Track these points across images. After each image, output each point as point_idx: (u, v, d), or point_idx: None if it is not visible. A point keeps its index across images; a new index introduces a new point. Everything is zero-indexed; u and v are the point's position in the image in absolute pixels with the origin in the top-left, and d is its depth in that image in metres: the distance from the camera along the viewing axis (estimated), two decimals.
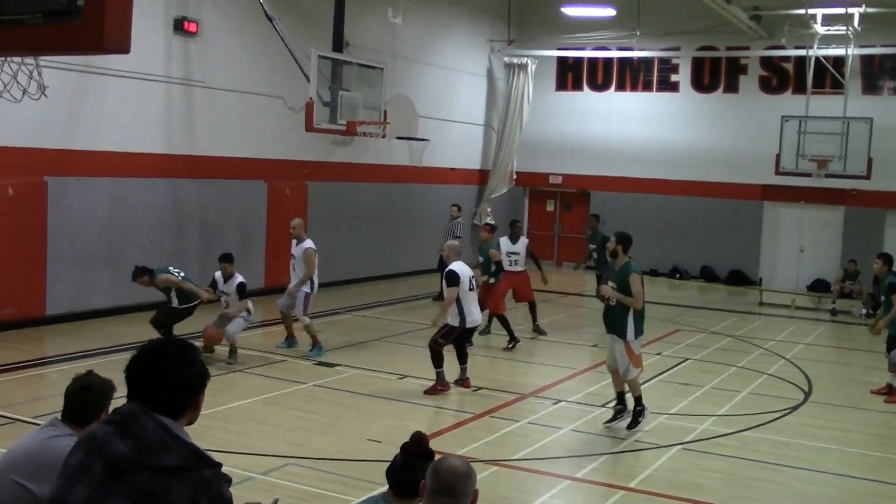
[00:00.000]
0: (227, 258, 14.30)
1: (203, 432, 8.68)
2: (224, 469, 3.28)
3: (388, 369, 13.97)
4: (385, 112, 19.55)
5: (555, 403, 12.46)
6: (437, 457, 4.23)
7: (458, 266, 12.72)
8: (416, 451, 4.32)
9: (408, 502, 4.26)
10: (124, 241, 16.95)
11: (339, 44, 19.87)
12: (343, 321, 18.07)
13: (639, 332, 11.21)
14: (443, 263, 21.16)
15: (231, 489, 3.30)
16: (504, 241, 17.42)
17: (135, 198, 17.27)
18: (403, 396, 12.47)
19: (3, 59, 9.78)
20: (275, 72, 19.74)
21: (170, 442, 3.18)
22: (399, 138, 20.73)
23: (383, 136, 19.86)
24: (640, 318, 11.20)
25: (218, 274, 14.39)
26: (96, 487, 3.16)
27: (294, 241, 15.00)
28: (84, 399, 4.82)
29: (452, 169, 27.13)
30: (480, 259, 16.74)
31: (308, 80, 17.57)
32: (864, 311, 22.39)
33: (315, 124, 18.72)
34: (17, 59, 9.87)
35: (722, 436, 11.36)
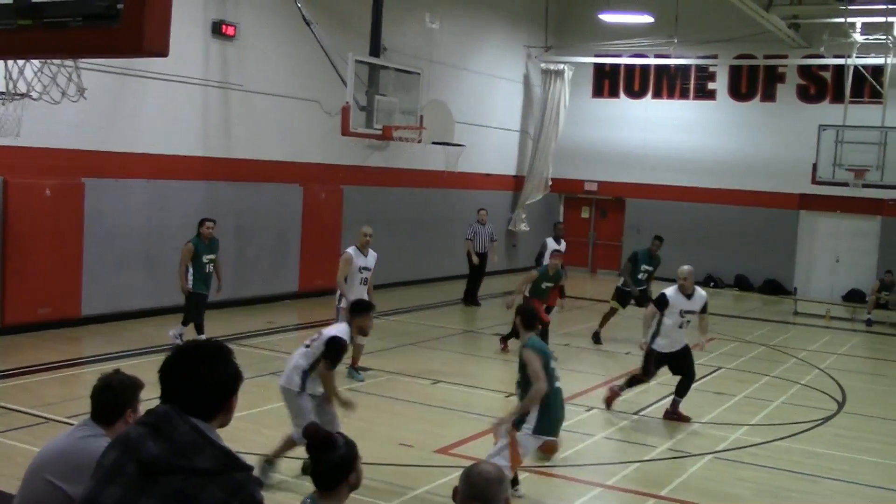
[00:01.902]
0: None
1: (236, 435, 8.72)
2: (255, 472, 3.30)
3: (421, 374, 13.99)
4: (421, 117, 19.60)
5: (587, 410, 12.43)
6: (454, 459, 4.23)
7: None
8: (312, 445, 4.28)
9: (329, 495, 4.20)
10: (161, 242, 17.04)
11: (376, 48, 19.95)
12: (377, 325, 17.93)
13: (540, 428, 8.41)
14: (475, 266, 21.25)
15: (263, 492, 3.32)
16: (550, 242, 18.35)
17: (171, 200, 17.38)
18: (436, 402, 12.49)
19: (43, 61, 9.91)
20: (312, 76, 19.83)
21: (202, 444, 3.20)
22: (435, 143, 20.78)
23: (419, 142, 19.91)
24: (545, 409, 8.38)
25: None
26: (129, 489, 3.18)
27: (366, 251, 13.74)
28: (107, 399, 4.81)
29: (487, 175, 27.14)
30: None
31: (345, 85, 17.65)
32: None
33: (351, 129, 18.79)
34: (57, 62, 10.00)
35: (754, 445, 11.30)
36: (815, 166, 24.69)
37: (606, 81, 29.81)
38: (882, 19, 23.66)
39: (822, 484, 10.16)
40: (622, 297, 17.80)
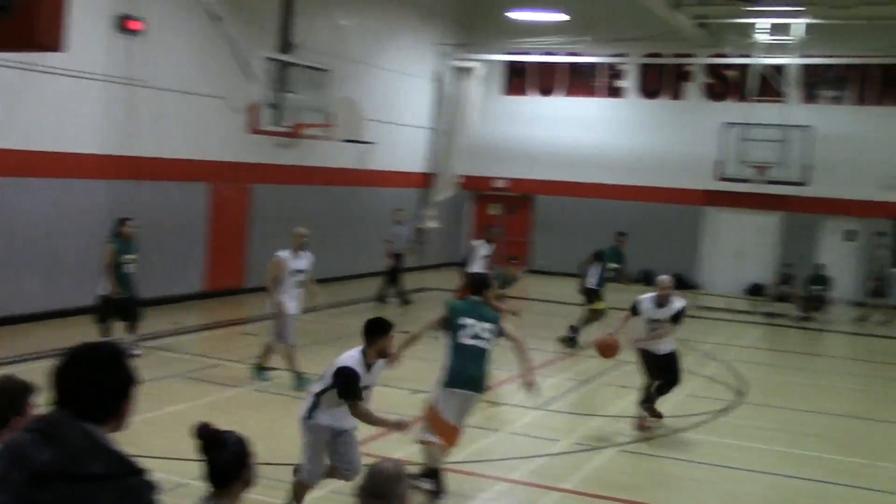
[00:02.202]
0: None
1: (137, 439, 8.63)
2: (158, 476, 3.25)
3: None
4: (331, 115, 19.55)
5: (492, 406, 12.54)
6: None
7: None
8: (202, 444, 4.27)
9: (222, 494, 4.20)
10: (59, 243, 16.63)
11: (285, 45, 19.86)
12: None
13: (443, 380, 8.95)
14: (392, 267, 21.24)
15: (163, 496, 3.28)
16: (480, 245, 18.07)
17: (71, 199, 16.94)
18: None
19: None
20: (220, 72, 19.55)
21: (95, 449, 3.14)
22: (345, 141, 20.75)
23: (329, 139, 19.87)
24: (447, 362, 8.96)
25: None
26: (17, 497, 3.09)
27: (296, 253, 13.14)
28: None
29: (398, 172, 27.15)
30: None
31: (253, 82, 17.51)
32: (797, 313, 22.87)
33: (260, 126, 18.69)
34: None
35: (657, 437, 11.52)
36: (719, 163, 25.30)
37: (518, 79, 30.03)
38: (786, 20, 24.33)
39: (720, 472, 10.42)
40: (595, 295, 17.70)
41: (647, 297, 11.89)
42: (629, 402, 13.24)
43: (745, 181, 25.66)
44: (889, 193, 26.01)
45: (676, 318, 11.84)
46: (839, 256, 26.09)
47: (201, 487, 4.19)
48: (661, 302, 11.76)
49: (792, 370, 16.46)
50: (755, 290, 26.21)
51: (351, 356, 7.90)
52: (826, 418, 13.33)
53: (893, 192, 25.98)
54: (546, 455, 10.63)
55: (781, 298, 23.61)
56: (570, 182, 29.07)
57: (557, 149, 29.15)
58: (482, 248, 18.11)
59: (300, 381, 12.64)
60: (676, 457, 10.73)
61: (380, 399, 12.43)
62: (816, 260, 25.36)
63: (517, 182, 29.84)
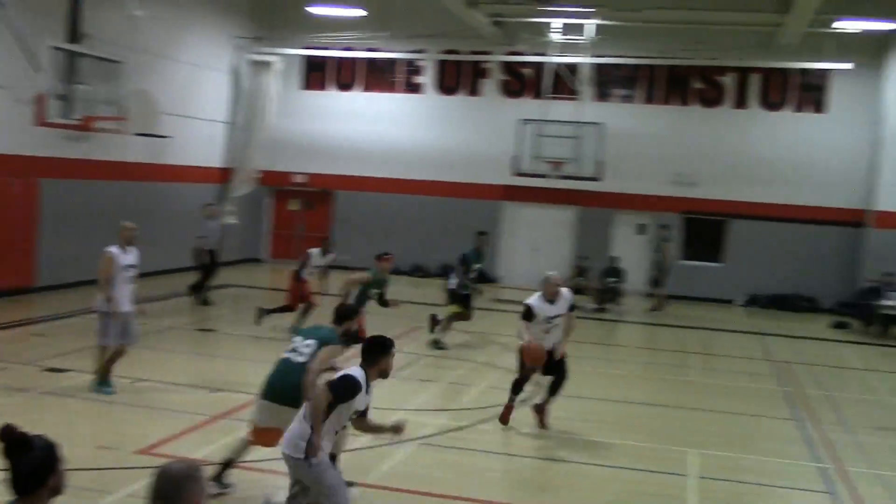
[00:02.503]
0: None
1: None
2: None
3: (124, 373, 13.42)
4: (124, 108, 18.95)
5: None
6: None
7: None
8: (6, 447, 4.10)
9: (28, 500, 4.01)
10: None
11: (74, 35, 19.11)
12: (75, 324, 17.21)
13: None
14: (205, 264, 20.70)
15: None
16: (315, 253, 18.15)
17: None
18: (138, 402, 12.09)
19: None
20: (3, 61, 18.59)
21: None
22: (139, 135, 20.15)
23: (123, 133, 19.26)
24: None
25: None
26: None
27: (124, 248, 12.39)
28: None
29: (195, 167, 26.54)
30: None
31: (40, 72, 16.79)
32: (593, 305, 23.65)
33: (47, 118, 17.92)
34: None
35: (459, 429, 11.68)
36: (516, 159, 25.88)
37: (317, 74, 29.86)
38: (578, 21, 25.13)
39: (517, 461, 10.66)
40: (461, 300, 17.67)
41: (534, 298, 11.90)
42: (431, 395, 13.41)
43: (541, 176, 26.37)
44: (676, 189, 27.30)
45: (572, 308, 12.02)
46: (631, 249, 27.17)
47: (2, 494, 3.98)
48: (551, 298, 11.85)
49: (588, 360, 16.97)
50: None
51: (356, 372, 7.45)
52: (622, 406, 13.83)
53: (680, 187, 27.28)
54: (348, 451, 10.58)
55: (577, 291, 24.29)
56: (370, 177, 29.17)
57: (357, 144, 29.18)
58: (317, 258, 18.09)
59: (102, 385, 12.20)
60: (478, 448, 10.90)
61: (176, 398, 12.17)
62: (610, 253, 26.36)
63: (316, 177, 29.69)
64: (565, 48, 26.15)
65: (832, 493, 10.29)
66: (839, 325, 23.89)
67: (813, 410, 14.34)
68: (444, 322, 17.47)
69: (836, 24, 22.90)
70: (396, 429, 7.93)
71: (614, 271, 24.84)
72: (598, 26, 25.40)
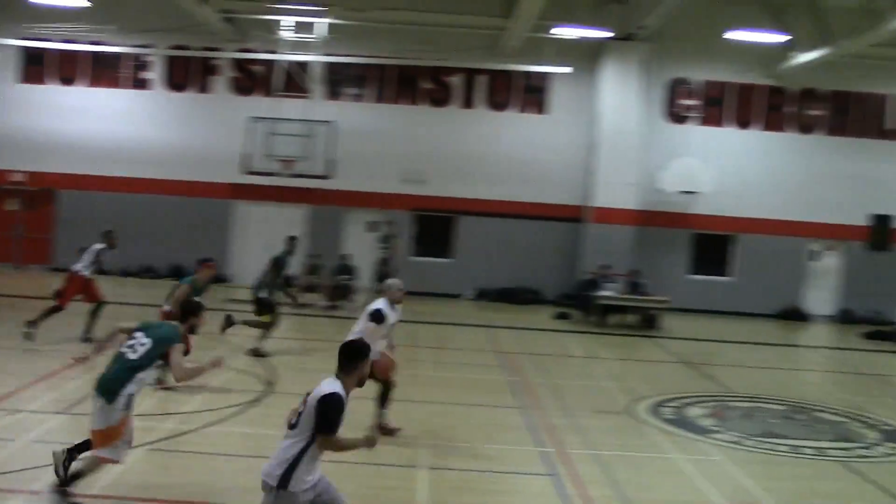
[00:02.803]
0: None
1: None
2: None
3: None
4: None
5: (9, 414, 11.80)
6: None
7: None
8: None
9: None
10: None
11: None
12: None
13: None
14: None
15: None
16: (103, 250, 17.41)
17: None
18: None
19: None
20: None
21: None
22: None
23: None
24: None
25: None
26: None
27: None
28: None
29: None
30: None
31: None
32: (325, 303, 23.81)
33: None
34: None
35: (189, 432, 11.46)
36: (246, 157, 25.64)
37: (35, 67, 28.40)
38: (308, 19, 25.18)
39: (253, 462, 10.53)
40: (270, 307, 17.22)
41: (381, 303, 11.81)
42: (158, 399, 13.04)
43: (272, 175, 26.29)
44: (406, 186, 27.85)
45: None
46: (362, 247, 27.46)
47: None
48: (395, 305, 11.90)
49: (320, 358, 17.01)
50: (286, 282, 26.77)
51: (332, 384, 7.05)
52: (352, 403, 13.87)
53: (410, 185, 27.84)
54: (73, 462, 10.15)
55: (309, 288, 24.39)
56: (97, 176, 28.10)
57: (81, 141, 28.04)
58: (99, 253, 17.35)
59: None
60: (210, 451, 10.75)
61: None
62: (342, 250, 26.55)
63: (36, 175, 28.27)
64: (297, 46, 26.13)
65: (553, 475, 10.81)
66: (561, 316, 25.13)
67: (537, 398, 15.00)
68: (260, 332, 17.19)
69: (554, 31, 23.98)
70: (370, 441, 7.31)
71: (346, 268, 25.07)
72: (330, 25, 25.57)
